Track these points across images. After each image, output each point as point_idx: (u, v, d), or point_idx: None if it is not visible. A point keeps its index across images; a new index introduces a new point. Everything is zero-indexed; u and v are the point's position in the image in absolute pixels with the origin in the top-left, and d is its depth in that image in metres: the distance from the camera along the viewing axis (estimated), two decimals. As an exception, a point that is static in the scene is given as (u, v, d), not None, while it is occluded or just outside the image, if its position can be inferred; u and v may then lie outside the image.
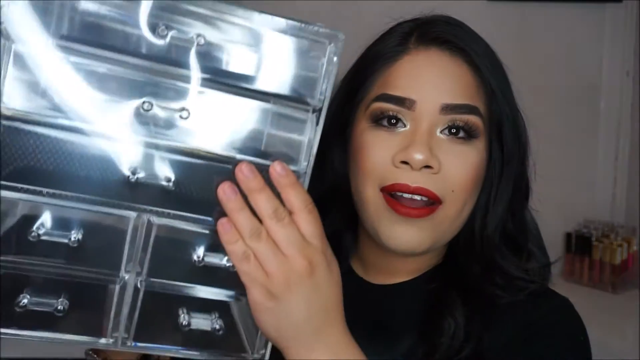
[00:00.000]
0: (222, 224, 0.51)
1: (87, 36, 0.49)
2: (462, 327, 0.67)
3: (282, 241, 0.51)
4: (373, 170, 0.68)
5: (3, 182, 0.49)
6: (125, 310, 0.54)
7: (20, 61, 0.48)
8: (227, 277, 0.54)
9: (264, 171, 0.52)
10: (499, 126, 0.71)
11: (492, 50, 0.73)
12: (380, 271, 0.76)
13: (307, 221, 0.52)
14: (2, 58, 0.47)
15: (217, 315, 0.57)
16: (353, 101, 0.73)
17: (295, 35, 0.53)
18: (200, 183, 0.53)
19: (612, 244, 1.87)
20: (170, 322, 0.56)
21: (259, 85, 0.53)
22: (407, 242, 0.67)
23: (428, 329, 0.68)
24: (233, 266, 0.52)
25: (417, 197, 0.66)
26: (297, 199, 0.52)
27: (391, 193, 0.67)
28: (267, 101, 0.53)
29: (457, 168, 0.67)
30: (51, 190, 0.50)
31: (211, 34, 0.51)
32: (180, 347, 0.56)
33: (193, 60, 0.51)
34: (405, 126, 0.68)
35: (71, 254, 0.52)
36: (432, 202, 0.67)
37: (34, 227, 0.51)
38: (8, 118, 0.48)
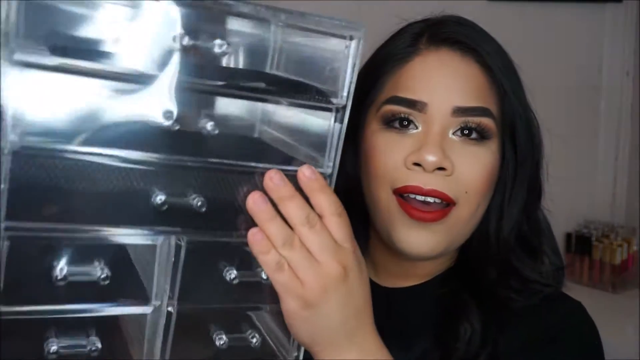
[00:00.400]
0: (254, 234, 0.50)
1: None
2: (479, 332, 0.66)
3: (316, 248, 0.51)
4: (385, 173, 0.67)
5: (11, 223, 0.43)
6: (159, 338, 0.51)
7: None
8: (262, 291, 0.53)
9: (290, 177, 0.50)
10: (511, 127, 0.70)
11: (504, 50, 0.72)
12: (392, 274, 0.75)
13: (338, 225, 0.52)
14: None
15: (250, 330, 0.55)
16: (364, 103, 0.71)
17: (314, 30, 0.50)
18: (228, 197, 0.50)
19: (612, 244, 1.87)
20: (204, 344, 0.53)
21: (279, 87, 0.50)
22: (420, 247, 0.67)
23: (443, 334, 0.67)
24: (267, 278, 0.51)
25: (430, 200, 0.65)
26: (328, 202, 0.51)
27: (403, 195, 0.66)
28: (288, 104, 0.51)
29: (470, 169, 0.66)
30: (71, 226, 0.46)
31: (231, 37, 0.48)
32: None
33: (215, 67, 0.48)
34: (417, 128, 0.67)
35: (99, 292, 0.48)
36: (446, 204, 0.66)
37: (58, 271, 0.46)
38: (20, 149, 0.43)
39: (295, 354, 0.57)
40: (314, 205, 0.51)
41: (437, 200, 0.65)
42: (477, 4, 1.98)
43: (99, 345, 0.49)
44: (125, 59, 0.45)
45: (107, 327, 0.51)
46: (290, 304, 0.51)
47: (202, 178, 0.49)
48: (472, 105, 0.67)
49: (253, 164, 0.50)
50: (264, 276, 0.52)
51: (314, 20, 0.50)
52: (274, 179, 0.50)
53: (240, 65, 0.50)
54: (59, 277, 0.46)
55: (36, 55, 0.42)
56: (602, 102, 2.09)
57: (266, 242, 0.50)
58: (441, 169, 0.65)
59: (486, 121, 0.67)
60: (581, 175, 2.05)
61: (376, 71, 0.71)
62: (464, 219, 0.67)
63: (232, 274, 0.52)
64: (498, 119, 0.69)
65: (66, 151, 0.44)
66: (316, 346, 0.54)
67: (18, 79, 0.42)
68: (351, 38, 0.51)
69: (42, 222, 0.45)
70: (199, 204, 0.49)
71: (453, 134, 0.67)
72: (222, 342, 0.53)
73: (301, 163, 0.51)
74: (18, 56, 0.41)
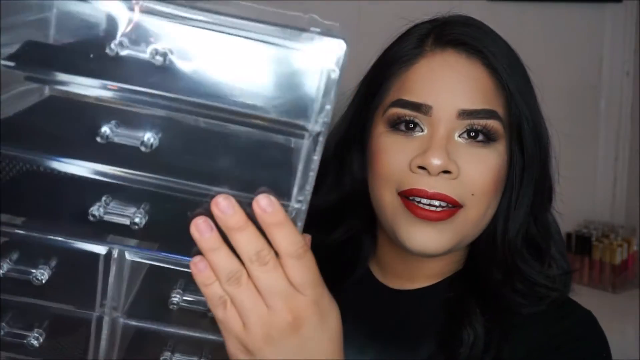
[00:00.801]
0: (195, 264, 0.44)
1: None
2: (482, 338, 0.66)
3: (265, 289, 0.44)
4: (390, 175, 0.67)
5: None
6: (104, 346, 0.49)
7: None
8: (210, 321, 0.47)
9: (249, 206, 0.43)
10: (518, 129, 0.70)
11: (512, 50, 0.72)
12: (399, 275, 0.75)
13: (297, 268, 0.44)
14: None
15: (205, 353, 0.50)
16: (371, 105, 0.71)
17: (284, 45, 0.42)
18: (176, 218, 0.45)
19: (612, 244, 1.87)
20: None
21: (240, 106, 0.42)
22: (425, 244, 0.66)
23: (447, 339, 0.67)
24: (209, 310, 0.46)
25: (436, 203, 0.65)
26: (286, 240, 0.43)
27: (409, 197, 0.66)
28: (252, 126, 0.43)
29: (476, 172, 0.66)
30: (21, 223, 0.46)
31: (180, 47, 0.41)
32: None
33: (159, 79, 0.41)
34: (422, 131, 0.67)
35: (42, 290, 0.48)
36: (452, 206, 0.66)
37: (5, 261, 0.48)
38: None
39: None
40: (271, 242, 0.43)
41: (443, 204, 0.65)
42: (477, 4, 1.98)
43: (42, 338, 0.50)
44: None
45: (59, 325, 0.51)
46: (229, 345, 0.46)
47: (150, 194, 0.45)
48: (478, 108, 0.66)
49: (204, 186, 0.44)
50: (206, 307, 0.47)
51: (285, 32, 0.42)
52: (220, 205, 0.42)
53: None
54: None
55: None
56: (602, 102, 2.09)
57: (209, 273, 0.44)
58: (446, 172, 0.65)
59: (492, 123, 0.67)
60: (581, 175, 2.05)
61: (382, 73, 0.71)
62: (472, 220, 0.67)
63: (175, 297, 0.47)
64: (505, 121, 0.68)
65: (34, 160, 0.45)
66: None
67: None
68: (329, 52, 0.43)
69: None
70: (137, 220, 0.45)
71: (459, 136, 0.67)
72: None
73: (264, 191, 0.43)
74: None
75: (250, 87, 0.42)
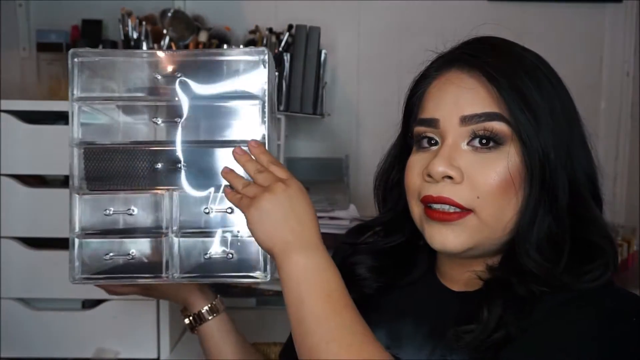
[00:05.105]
0: (227, 173, 0.80)
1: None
2: (497, 317, 0.67)
3: (264, 181, 0.74)
4: (413, 187, 0.76)
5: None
6: (174, 253, 0.85)
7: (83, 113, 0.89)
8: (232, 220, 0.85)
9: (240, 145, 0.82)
10: (517, 131, 0.70)
11: (519, 55, 0.73)
12: (454, 279, 0.79)
13: (278, 169, 0.75)
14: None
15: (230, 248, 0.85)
16: (407, 131, 0.81)
17: (239, 58, 0.85)
18: (203, 163, 0.84)
19: (612, 244, 1.87)
20: (200, 257, 0.86)
21: (225, 92, 0.85)
22: (443, 243, 0.73)
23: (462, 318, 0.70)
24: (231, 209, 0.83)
25: (446, 207, 0.71)
26: (266, 158, 0.77)
27: (426, 204, 0.74)
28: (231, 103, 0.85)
29: (480, 175, 0.70)
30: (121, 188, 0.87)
31: (187, 72, 0.85)
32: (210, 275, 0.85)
33: (179, 90, 0.85)
34: (437, 144, 0.74)
35: (132, 227, 0.89)
36: (462, 209, 0.70)
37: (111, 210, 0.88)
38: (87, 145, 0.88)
39: (266, 272, 0.83)
40: (259, 161, 0.78)
41: (452, 207, 0.71)
42: (477, 4, 1.98)
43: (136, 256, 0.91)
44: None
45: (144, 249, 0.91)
46: (246, 211, 0.73)
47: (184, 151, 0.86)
48: (478, 112, 0.70)
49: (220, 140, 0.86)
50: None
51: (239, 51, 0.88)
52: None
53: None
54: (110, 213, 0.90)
55: None
56: (602, 102, 2.09)
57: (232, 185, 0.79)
58: (449, 177, 0.70)
59: (496, 125, 0.69)
60: (581, 175, 2.05)
61: (411, 98, 0.80)
62: (486, 222, 0.70)
63: (208, 208, 0.84)
64: (513, 122, 0.70)
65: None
66: (269, 243, 0.71)
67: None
68: (261, 55, 0.84)
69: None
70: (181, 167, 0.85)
71: (468, 144, 0.71)
72: (209, 256, 0.86)
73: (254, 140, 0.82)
74: None
75: (228, 84, 0.87)
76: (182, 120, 0.83)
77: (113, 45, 1.89)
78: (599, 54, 2.08)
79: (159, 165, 0.84)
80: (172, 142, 0.84)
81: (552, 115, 0.72)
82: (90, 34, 1.95)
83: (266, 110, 0.82)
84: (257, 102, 0.83)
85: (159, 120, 0.86)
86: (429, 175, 0.72)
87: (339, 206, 1.70)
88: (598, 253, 0.71)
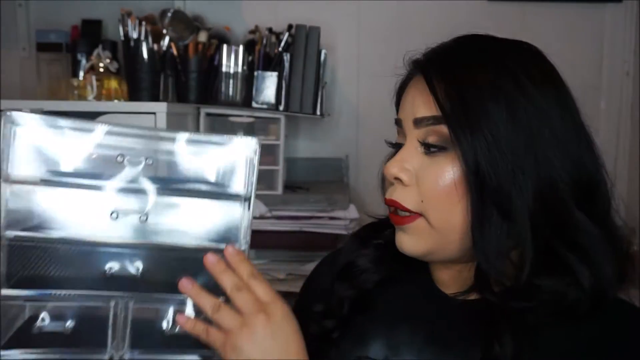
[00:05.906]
0: (181, 316, 0.66)
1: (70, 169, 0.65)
2: (510, 347, 0.65)
3: (243, 305, 0.64)
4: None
5: (9, 291, 0.64)
6: None
7: (16, 195, 0.64)
8: (196, 341, 0.67)
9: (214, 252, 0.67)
10: (457, 137, 0.68)
11: (486, 57, 0.70)
12: (444, 284, 0.77)
13: (257, 285, 0.66)
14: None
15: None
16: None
17: (219, 147, 0.69)
18: (165, 269, 0.68)
19: (612, 244, 1.87)
20: None
21: (197, 187, 0.68)
22: (402, 246, 0.73)
23: (478, 348, 0.67)
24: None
25: (399, 210, 0.71)
26: (247, 270, 0.66)
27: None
28: (206, 197, 0.69)
29: (425, 179, 0.69)
30: (55, 292, 0.65)
31: (157, 155, 0.67)
32: None
33: (145, 177, 0.67)
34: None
35: (66, 341, 0.66)
36: (412, 213, 0.70)
37: (37, 323, 0.66)
38: (12, 239, 0.64)
39: None
40: (238, 273, 0.66)
41: (403, 212, 0.71)
42: (477, 4, 1.98)
43: None
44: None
45: None
46: (220, 349, 0.64)
47: (144, 254, 0.68)
48: (427, 115, 0.69)
49: (185, 245, 0.69)
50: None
51: (217, 139, 0.69)
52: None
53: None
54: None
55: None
56: (602, 102, 2.09)
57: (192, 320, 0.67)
58: (400, 180, 0.71)
59: (443, 128, 0.68)
60: (581, 175, 2.05)
61: (397, 104, 0.79)
62: (435, 225, 0.69)
63: (167, 326, 0.69)
64: (451, 127, 0.67)
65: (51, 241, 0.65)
66: None
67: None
68: (247, 147, 0.68)
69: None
70: (138, 272, 0.67)
71: (421, 146, 0.71)
72: None
73: (225, 243, 0.68)
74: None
75: (205, 174, 0.69)
76: (144, 215, 0.67)
77: (113, 45, 1.89)
78: (599, 54, 2.08)
79: (112, 268, 0.66)
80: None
81: (513, 119, 0.67)
82: (90, 34, 1.96)
83: (252, 206, 0.69)
84: (238, 198, 0.68)
85: (117, 214, 0.66)
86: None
87: (339, 206, 1.70)
88: (584, 257, 0.71)
